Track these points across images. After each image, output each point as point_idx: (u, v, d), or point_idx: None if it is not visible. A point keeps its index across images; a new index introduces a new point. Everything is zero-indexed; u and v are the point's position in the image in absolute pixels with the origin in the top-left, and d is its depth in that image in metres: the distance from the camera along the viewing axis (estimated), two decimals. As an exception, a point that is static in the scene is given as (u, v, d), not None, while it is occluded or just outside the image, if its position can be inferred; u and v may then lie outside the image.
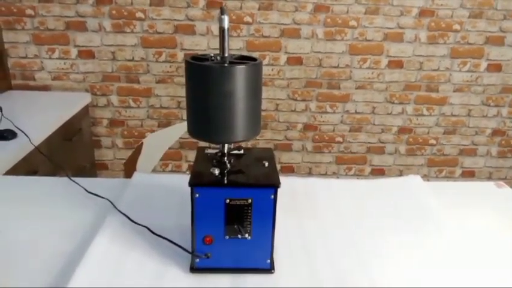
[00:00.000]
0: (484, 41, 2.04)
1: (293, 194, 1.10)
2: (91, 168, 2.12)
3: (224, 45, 0.73)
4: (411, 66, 2.08)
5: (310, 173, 2.27)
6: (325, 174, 2.27)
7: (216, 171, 0.76)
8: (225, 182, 0.74)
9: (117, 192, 1.10)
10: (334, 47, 2.03)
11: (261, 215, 0.74)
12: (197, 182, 0.73)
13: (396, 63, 2.07)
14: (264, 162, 0.81)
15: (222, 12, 0.72)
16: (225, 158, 0.79)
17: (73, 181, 1.14)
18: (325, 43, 2.02)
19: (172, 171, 2.24)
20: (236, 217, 0.74)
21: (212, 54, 0.75)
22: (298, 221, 0.98)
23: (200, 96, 0.71)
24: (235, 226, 0.75)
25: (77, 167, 1.93)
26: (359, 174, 2.28)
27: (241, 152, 0.85)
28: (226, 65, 0.70)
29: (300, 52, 2.04)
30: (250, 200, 0.74)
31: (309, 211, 1.02)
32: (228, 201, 0.73)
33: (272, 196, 0.73)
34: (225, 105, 0.70)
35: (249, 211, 0.74)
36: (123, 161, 2.22)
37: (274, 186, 0.73)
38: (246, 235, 0.76)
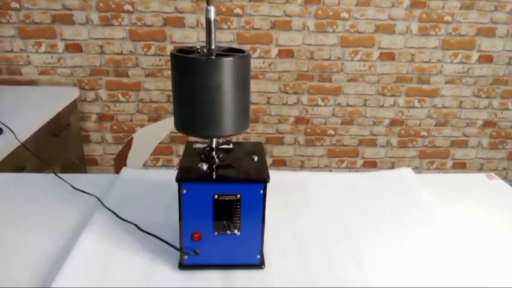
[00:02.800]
0: (475, 32, 2.03)
1: (285, 188, 1.09)
2: (80, 164, 2.09)
3: (211, 37, 0.71)
4: (403, 58, 2.07)
5: (302, 167, 2.26)
6: (317, 167, 2.27)
7: (204, 166, 0.74)
8: (213, 177, 0.73)
9: (105, 188, 1.08)
10: (326, 39, 2.01)
11: (251, 210, 0.73)
12: (185, 178, 0.72)
13: (388, 55, 2.05)
14: (253, 156, 0.79)
15: (208, 3, 0.70)
16: (214, 152, 0.77)
17: (59, 177, 1.12)
18: (317, 35, 2.00)
19: (163, 165, 2.22)
20: (225, 213, 0.73)
21: (199, 47, 0.73)
22: (290, 215, 0.97)
23: (186, 90, 0.69)
24: (224, 222, 0.73)
25: (66, 162, 1.90)
26: (351, 167, 2.28)
27: (230, 146, 0.83)
28: (213, 57, 0.68)
29: (291, 44, 2.02)
30: (239, 196, 0.72)
31: (301, 205, 1.01)
32: (216, 196, 0.72)
33: (261, 191, 0.72)
34: (212, 98, 0.68)
35: (238, 207, 0.73)
36: (113, 156, 2.19)
37: (264, 181, 0.71)
38: (235, 231, 0.74)
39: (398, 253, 0.86)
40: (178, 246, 0.76)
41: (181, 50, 0.72)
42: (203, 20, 1.96)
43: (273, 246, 0.84)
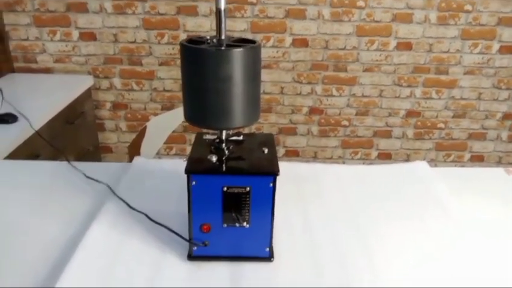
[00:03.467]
0: (496, 22, 1.96)
1: (297, 179, 1.08)
2: (95, 152, 2.11)
3: (221, 26, 0.70)
4: (420, 48, 2.02)
5: (315, 157, 2.24)
6: (330, 158, 2.25)
7: (214, 158, 0.73)
8: (223, 169, 0.72)
9: (117, 177, 1.08)
10: (341, 29, 1.97)
11: (260, 203, 0.72)
12: (194, 169, 0.71)
13: (405, 45, 2.01)
14: (263, 148, 0.78)
15: (219, -8, 0.69)
16: (223, 144, 0.77)
17: (72, 166, 1.13)
18: (332, 24, 1.96)
19: (176, 154, 2.22)
20: (234, 205, 0.72)
21: (209, 37, 0.72)
22: (302, 207, 0.96)
23: (196, 81, 0.68)
24: (233, 214, 0.73)
25: (80, 150, 1.93)
26: (365, 159, 2.25)
27: (241, 138, 0.82)
28: (222, 48, 0.67)
29: (306, 34, 1.99)
30: (248, 188, 0.71)
31: (313, 197, 1.00)
32: (225, 189, 0.71)
33: (271, 184, 0.71)
34: (222, 90, 0.67)
35: (247, 199, 0.72)
36: (127, 144, 2.21)
37: (273, 174, 0.70)
38: (244, 223, 0.74)
39: (411, 249, 0.85)
40: (187, 238, 0.76)
41: (191, 41, 0.71)
42: None
43: (282, 239, 0.83)
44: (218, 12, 0.69)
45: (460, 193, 1.04)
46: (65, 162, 1.15)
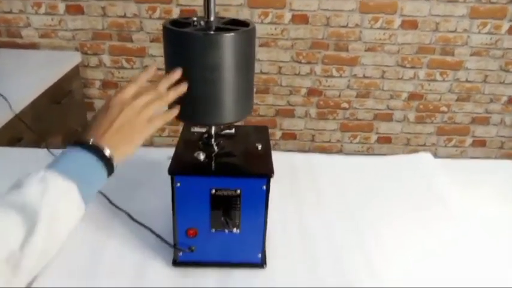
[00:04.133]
0: (508, -1, 1.86)
1: (293, 173, 1.01)
2: (84, 132, 2.02)
3: (209, 6, 0.61)
4: (426, 27, 1.91)
5: (312, 141, 2.17)
6: (328, 142, 2.17)
7: (201, 156, 0.66)
8: (211, 169, 0.65)
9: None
10: (344, 4, 1.86)
11: (252, 207, 0.65)
12: (178, 170, 0.64)
13: (410, 23, 1.90)
14: (257, 144, 0.70)
15: (208, -33, 0.60)
16: (213, 139, 0.69)
17: (52, 154, 1.05)
18: (334, 0, 1.85)
19: (169, 136, 2.14)
20: (223, 209, 0.65)
21: (195, 18, 0.62)
22: (297, 204, 0.89)
23: (182, 70, 0.59)
24: (222, 219, 0.66)
25: (68, 130, 1.84)
26: (364, 142, 2.18)
27: (232, 131, 0.74)
28: (211, 32, 0.58)
29: (306, 9, 1.87)
30: (238, 191, 0.64)
31: (309, 194, 0.93)
32: (213, 191, 0.64)
33: (264, 187, 0.64)
34: (210, 80, 0.59)
35: (238, 203, 0.65)
36: (118, 125, 2.12)
37: (267, 175, 0.63)
38: (234, 229, 0.67)
39: (411, 247, 0.79)
40: (172, 242, 0.69)
41: (176, 22, 0.62)
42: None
43: (276, 242, 0.77)
44: (207, -9, 0.60)
45: (465, 187, 0.98)
46: (44, 150, 1.07)
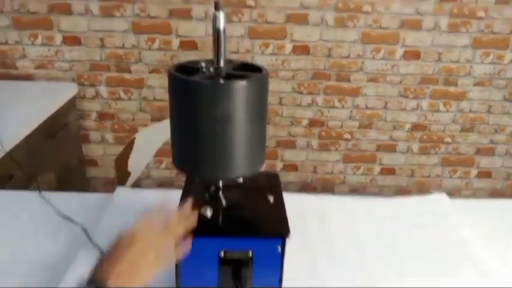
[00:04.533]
0: (510, 29, 1.84)
1: (302, 218, 0.94)
2: (79, 166, 1.96)
3: (219, 51, 0.56)
4: (429, 57, 1.89)
5: (315, 172, 2.11)
6: (331, 173, 2.12)
7: (209, 213, 0.60)
8: (219, 228, 0.59)
9: (95, 211, 0.94)
10: (345, 35, 1.84)
11: (265, 270, 0.59)
12: (183, 230, 0.57)
13: (412, 54, 1.88)
14: (268, 196, 0.65)
15: (217, 7, 0.55)
16: (220, 192, 0.63)
17: (44, 199, 0.98)
18: (336, 30, 1.83)
19: (167, 168, 2.08)
20: (233, 273, 0.59)
21: (203, 64, 0.58)
22: (310, 257, 0.82)
23: (188, 120, 0.54)
24: (232, 284, 0.59)
25: (63, 164, 1.77)
26: (367, 174, 2.12)
27: (240, 180, 0.68)
28: (222, 81, 0.53)
29: (307, 40, 1.85)
30: (250, 253, 0.58)
31: (322, 244, 0.87)
32: (222, 254, 0.58)
33: (279, 248, 0.58)
34: (221, 132, 0.53)
35: (250, 266, 0.58)
36: (114, 158, 2.05)
37: (282, 236, 0.57)
38: (246, 295, 0.60)
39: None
40: (175, 307, 0.62)
41: (182, 68, 0.57)
42: (212, 12, 1.79)
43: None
44: (216, 33, 0.55)
45: (487, 233, 0.92)
46: (36, 193, 1.00)
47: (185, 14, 1.80)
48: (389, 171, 2.12)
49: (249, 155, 0.56)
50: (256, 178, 0.71)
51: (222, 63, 0.56)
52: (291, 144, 2.05)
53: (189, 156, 0.55)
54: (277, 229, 0.58)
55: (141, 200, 0.99)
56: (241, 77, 0.54)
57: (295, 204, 0.97)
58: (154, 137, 1.88)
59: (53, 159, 1.68)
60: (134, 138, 1.69)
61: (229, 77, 0.55)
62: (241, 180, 0.69)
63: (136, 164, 1.66)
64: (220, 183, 0.62)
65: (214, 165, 0.55)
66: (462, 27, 1.84)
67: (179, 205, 0.61)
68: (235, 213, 0.62)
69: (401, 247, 0.87)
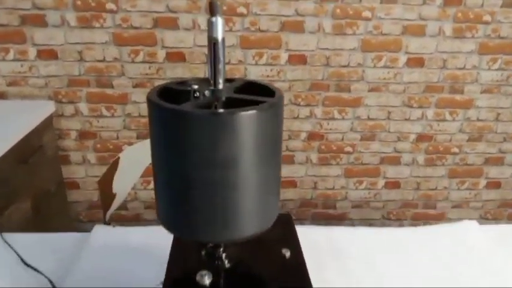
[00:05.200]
0: (518, 33, 1.74)
1: (314, 254, 0.80)
2: (58, 190, 1.79)
3: (217, 68, 0.42)
4: (433, 65, 1.77)
5: (315, 188, 1.98)
6: (332, 189, 1.98)
7: (207, 280, 0.45)
8: (223, 304, 0.44)
9: (68, 256, 0.79)
10: (344, 43, 1.71)
11: None
12: (174, 309, 0.43)
13: (416, 61, 1.76)
14: (283, 250, 0.50)
15: (213, 11, 0.41)
16: (220, 250, 0.48)
17: (7, 243, 0.82)
18: (334, 38, 1.70)
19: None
20: None
21: (196, 86, 0.43)
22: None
23: (177, 166, 0.40)
24: None
25: (39, 190, 1.61)
26: (371, 188, 1.99)
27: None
28: (221, 111, 0.39)
29: (304, 49, 1.72)
30: (265, 335, 0.43)
31: (337, 273, 0.73)
32: (228, 337, 0.43)
33: (303, 327, 0.43)
34: (221, 181, 0.39)
35: None
36: (97, 179, 1.89)
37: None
38: None
39: None
40: None
41: (166, 91, 0.43)
42: (200, 21, 1.66)
43: None
44: (213, 44, 0.41)
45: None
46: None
47: (171, 24, 1.66)
48: (394, 184, 2.00)
49: (258, 208, 0.42)
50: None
51: (220, 85, 0.42)
52: (289, 159, 1.91)
53: (179, 213, 0.41)
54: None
55: (122, 241, 0.84)
56: (248, 104, 0.39)
57: (302, 235, 0.83)
58: (140, 155, 1.72)
59: (27, 185, 1.51)
60: (119, 158, 1.54)
61: (232, 103, 0.41)
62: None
63: (122, 185, 1.50)
64: (221, 240, 0.48)
65: (212, 226, 0.41)
66: (468, 32, 1.73)
67: (166, 272, 0.46)
68: (241, 277, 0.47)
69: (426, 280, 0.73)
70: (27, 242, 0.83)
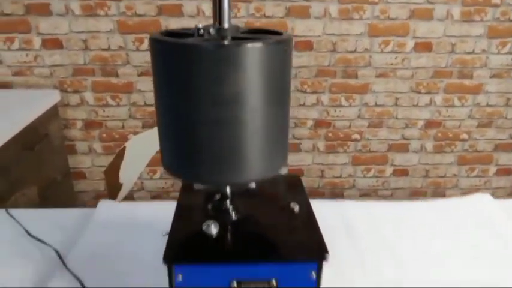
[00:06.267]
0: (527, 16, 1.71)
1: (323, 227, 0.78)
2: (65, 179, 1.79)
3: (222, 7, 0.41)
4: (441, 49, 1.75)
5: (322, 176, 1.96)
6: (339, 177, 1.96)
7: (213, 229, 0.44)
8: (230, 251, 0.43)
9: (73, 231, 0.78)
10: (351, 28, 1.70)
11: (295, 308, 0.43)
12: (179, 255, 0.41)
13: (424, 46, 1.74)
14: (291, 204, 0.49)
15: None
16: (228, 202, 0.47)
17: (12, 217, 0.82)
18: (340, 23, 1.69)
19: (161, 178, 1.91)
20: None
21: (201, 26, 0.42)
22: (338, 270, 0.66)
23: (181, 104, 0.38)
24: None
25: (46, 178, 1.60)
26: (379, 176, 1.97)
27: (253, 185, 0.53)
28: (226, 42, 0.38)
29: (310, 35, 1.70)
30: (274, 283, 0.42)
31: (348, 251, 0.71)
32: (235, 284, 0.42)
33: (314, 274, 0.42)
34: (226, 118, 0.38)
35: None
36: (103, 169, 1.89)
37: (317, 258, 0.41)
38: None
39: None
40: None
41: (169, 33, 0.42)
42: (205, 8, 1.65)
43: None
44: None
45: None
46: (3, 211, 0.84)
47: (176, 11, 1.65)
48: (402, 172, 1.97)
49: (266, 150, 0.40)
50: (272, 183, 0.55)
51: (226, 24, 0.40)
52: (295, 148, 1.89)
53: (184, 155, 0.39)
54: (311, 249, 0.42)
55: (127, 216, 0.83)
56: (255, 40, 0.38)
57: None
58: (146, 145, 1.72)
59: (33, 172, 1.51)
60: (124, 147, 1.53)
61: (238, 40, 0.39)
62: (253, 185, 0.53)
63: (128, 175, 1.49)
64: (228, 190, 0.46)
65: (218, 166, 0.39)
66: (476, 16, 1.70)
67: (172, 222, 0.45)
68: (249, 228, 0.46)
69: (443, 250, 0.71)
70: (32, 216, 0.83)
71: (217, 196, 0.47)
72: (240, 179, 0.40)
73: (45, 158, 1.61)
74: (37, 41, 1.67)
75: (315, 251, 0.42)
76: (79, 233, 0.77)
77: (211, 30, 0.40)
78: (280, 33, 0.42)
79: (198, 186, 0.53)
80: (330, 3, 1.66)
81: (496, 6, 1.69)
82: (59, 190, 1.72)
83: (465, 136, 1.91)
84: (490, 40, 1.75)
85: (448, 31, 1.72)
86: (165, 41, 0.37)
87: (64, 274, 0.65)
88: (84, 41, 1.68)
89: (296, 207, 0.48)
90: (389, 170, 1.97)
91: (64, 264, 0.67)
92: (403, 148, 1.92)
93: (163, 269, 0.41)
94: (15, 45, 1.67)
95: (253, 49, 0.36)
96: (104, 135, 1.83)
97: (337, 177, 1.97)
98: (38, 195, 1.52)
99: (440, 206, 0.87)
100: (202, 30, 0.40)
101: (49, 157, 1.65)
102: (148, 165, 1.86)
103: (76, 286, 0.62)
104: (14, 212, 0.83)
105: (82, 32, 1.66)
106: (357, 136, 1.89)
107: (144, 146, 1.81)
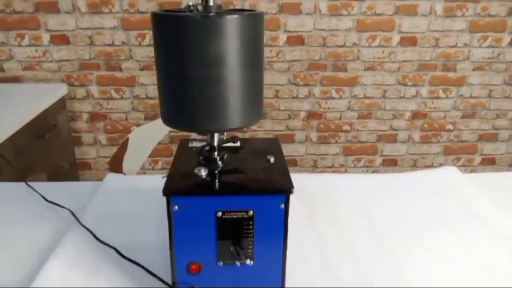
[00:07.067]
0: (507, 12, 1.81)
1: (305, 195, 0.88)
2: (71, 169, 1.89)
3: (208, -10, 0.51)
4: (426, 43, 1.85)
5: (315, 166, 2.06)
6: (331, 167, 2.06)
7: (203, 172, 0.54)
8: (216, 187, 0.53)
9: (85, 199, 0.88)
10: (340, 24, 1.80)
11: (268, 231, 0.53)
12: (176, 189, 0.51)
13: (409, 40, 1.84)
14: (268, 157, 0.59)
15: None
16: (215, 153, 0.57)
17: (30, 187, 0.92)
18: (330, 19, 1.79)
19: (163, 168, 2.02)
20: (232, 236, 0.53)
21: (191, 3, 0.53)
22: (315, 231, 0.76)
23: (176, 66, 0.49)
24: (232, 249, 0.53)
25: (54, 167, 1.71)
26: (369, 166, 2.07)
27: (238, 144, 0.63)
28: (211, 14, 0.48)
29: (302, 30, 1.81)
30: (251, 212, 0.52)
31: (327, 217, 0.81)
32: (220, 214, 0.52)
33: (282, 206, 0.52)
34: (212, 77, 0.48)
35: (251, 227, 0.52)
36: (108, 160, 1.99)
37: (285, 191, 0.51)
38: (248, 260, 0.54)
39: (450, 270, 0.66)
40: (170, 281, 0.56)
41: (168, 11, 0.52)
42: (203, 5, 1.75)
43: (295, 275, 0.64)
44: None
45: (503, 204, 0.86)
46: (23, 184, 0.94)
47: (176, 7, 1.76)
48: (391, 162, 2.07)
49: (245, 103, 0.51)
50: (255, 143, 0.66)
51: (211, 2, 0.51)
52: (289, 138, 1.99)
53: (178, 108, 0.50)
54: (280, 184, 0.52)
55: (133, 186, 0.93)
56: (233, 13, 0.48)
57: (296, 180, 0.92)
58: (148, 136, 1.82)
59: (43, 159, 1.62)
60: (128, 139, 1.64)
61: (220, 14, 0.50)
62: (238, 144, 0.63)
63: (131, 165, 1.60)
64: (215, 142, 0.57)
65: (205, 116, 0.50)
66: (458, 11, 1.81)
67: (170, 167, 0.55)
68: (231, 172, 0.56)
69: (412, 216, 0.81)
70: (48, 188, 0.93)
71: (207, 148, 0.58)
72: (222, 127, 0.51)
73: (54, 146, 1.72)
74: (46, 37, 1.78)
75: (284, 187, 0.52)
76: (90, 198, 0.87)
77: (199, 7, 0.50)
78: (254, 10, 0.52)
79: (191, 143, 0.64)
80: (319, 0, 1.77)
81: (476, 1, 1.79)
82: (66, 178, 1.83)
83: (450, 127, 2.02)
84: (472, 34, 1.85)
85: (431, 26, 1.82)
86: (163, 14, 0.48)
87: (78, 230, 0.75)
88: (90, 37, 1.78)
89: (272, 159, 0.59)
90: (378, 160, 2.07)
91: (78, 220, 0.77)
92: (392, 138, 2.03)
93: (165, 224, 0.51)
94: (26, 41, 1.78)
95: (231, 19, 0.47)
96: (109, 127, 1.93)
97: (329, 167, 2.07)
98: (47, 181, 1.62)
99: (409, 178, 0.97)
100: (192, 7, 0.51)
101: (57, 147, 1.76)
102: (150, 156, 1.97)
103: (88, 240, 0.72)
104: (32, 184, 0.94)
105: (88, 28, 1.77)
106: (348, 127, 1.99)
107: (147, 137, 1.92)
